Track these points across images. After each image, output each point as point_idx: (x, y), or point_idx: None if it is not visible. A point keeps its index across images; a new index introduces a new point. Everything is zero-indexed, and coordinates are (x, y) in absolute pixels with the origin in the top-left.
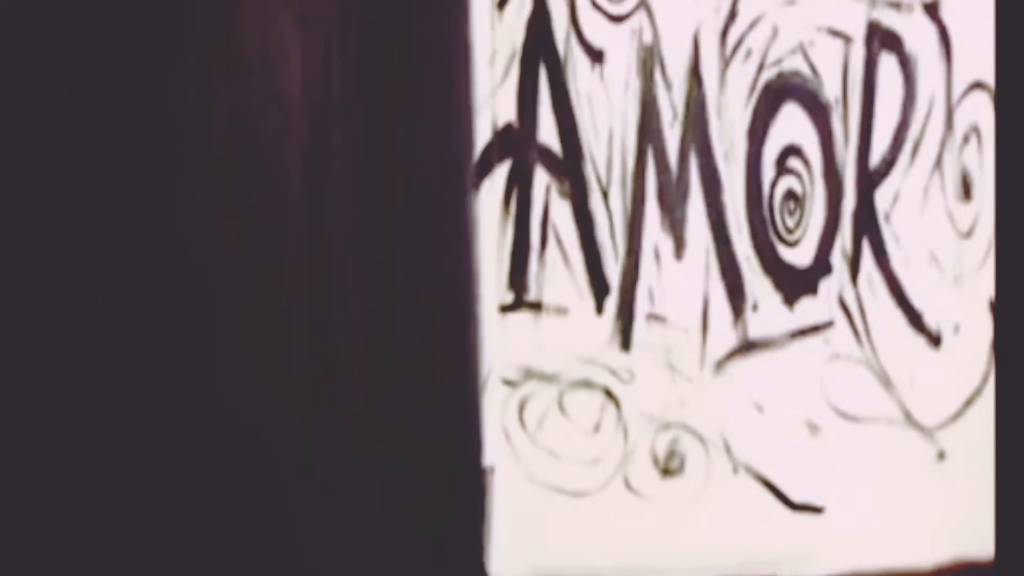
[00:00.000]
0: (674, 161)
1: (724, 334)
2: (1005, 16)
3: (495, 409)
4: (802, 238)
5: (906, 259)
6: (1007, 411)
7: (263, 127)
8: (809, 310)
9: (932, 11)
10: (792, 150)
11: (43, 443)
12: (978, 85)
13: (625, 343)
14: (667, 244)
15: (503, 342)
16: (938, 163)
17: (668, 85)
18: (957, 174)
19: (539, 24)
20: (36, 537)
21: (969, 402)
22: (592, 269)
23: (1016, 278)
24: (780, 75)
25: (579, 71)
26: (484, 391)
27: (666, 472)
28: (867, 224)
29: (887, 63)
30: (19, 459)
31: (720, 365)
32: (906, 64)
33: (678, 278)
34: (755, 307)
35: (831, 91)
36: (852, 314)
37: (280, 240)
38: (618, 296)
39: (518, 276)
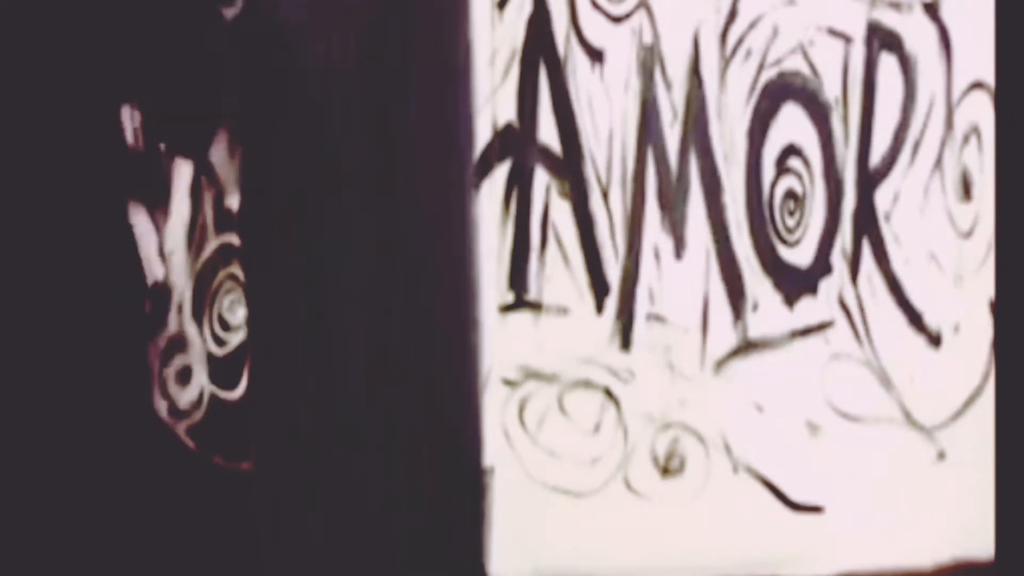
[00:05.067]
0: (674, 161)
1: (724, 334)
2: (1005, 16)
3: (495, 409)
4: (802, 238)
5: (906, 259)
6: (1007, 411)
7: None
8: (809, 310)
9: (932, 11)
10: (792, 150)
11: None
12: (978, 85)
13: (625, 343)
14: (667, 244)
15: (503, 342)
16: (938, 163)
17: (668, 85)
18: (957, 174)
19: (539, 24)
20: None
21: (969, 402)
22: (592, 269)
23: (1016, 278)
24: (780, 75)
25: (579, 71)
26: (484, 391)
27: (666, 472)
28: (867, 224)
29: (887, 63)
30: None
31: (720, 365)
32: (906, 64)
33: (678, 278)
34: (755, 307)
35: (831, 91)
36: (852, 314)
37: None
38: (618, 296)
39: (518, 276)
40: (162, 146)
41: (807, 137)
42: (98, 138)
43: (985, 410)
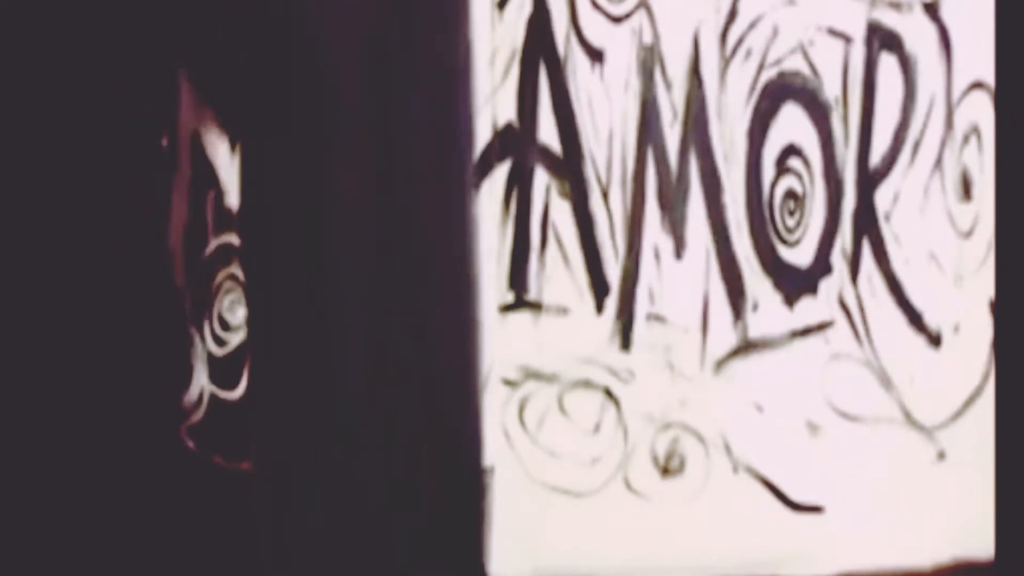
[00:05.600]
0: (674, 161)
1: (724, 334)
2: (1005, 16)
3: (495, 409)
4: (802, 238)
5: (906, 259)
6: (1007, 411)
7: None
8: (809, 310)
9: (932, 11)
10: (792, 150)
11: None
12: (978, 85)
13: (625, 343)
14: (667, 244)
15: (503, 342)
16: (938, 163)
17: (668, 85)
18: (957, 174)
19: (539, 24)
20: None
21: (969, 402)
22: (592, 269)
23: (1016, 278)
24: (780, 75)
25: (579, 71)
26: (484, 391)
27: (666, 472)
28: (867, 224)
29: (887, 63)
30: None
31: (720, 365)
32: (906, 64)
33: (678, 278)
34: (755, 307)
35: (831, 91)
36: (852, 314)
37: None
38: (618, 296)
39: (518, 276)
40: (164, 141)
41: (807, 137)
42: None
43: (985, 410)
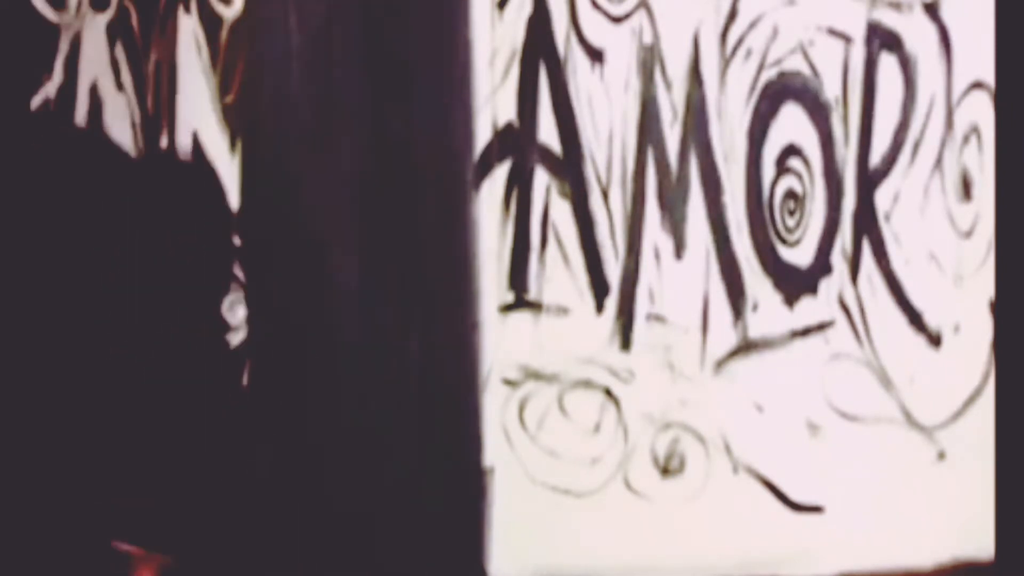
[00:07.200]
0: (674, 161)
1: (724, 334)
2: (1005, 16)
3: (495, 409)
4: (802, 238)
5: (906, 259)
6: (1007, 411)
7: None
8: (809, 310)
9: (932, 11)
10: (792, 150)
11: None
12: (978, 85)
13: (625, 343)
14: (667, 244)
15: (503, 342)
16: (938, 163)
17: (668, 85)
18: (957, 174)
19: (539, 24)
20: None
21: (969, 402)
22: (592, 269)
23: (1016, 278)
24: (780, 75)
25: (579, 71)
26: (484, 391)
27: (666, 472)
28: (867, 224)
29: (887, 63)
30: None
31: (720, 365)
32: (906, 64)
33: (678, 278)
34: (755, 307)
35: (831, 91)
36: (852, 314)
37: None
38: (618, 296)
39: (518, 276)
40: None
41: (807, 137)
42: None
43: (985, 410)
